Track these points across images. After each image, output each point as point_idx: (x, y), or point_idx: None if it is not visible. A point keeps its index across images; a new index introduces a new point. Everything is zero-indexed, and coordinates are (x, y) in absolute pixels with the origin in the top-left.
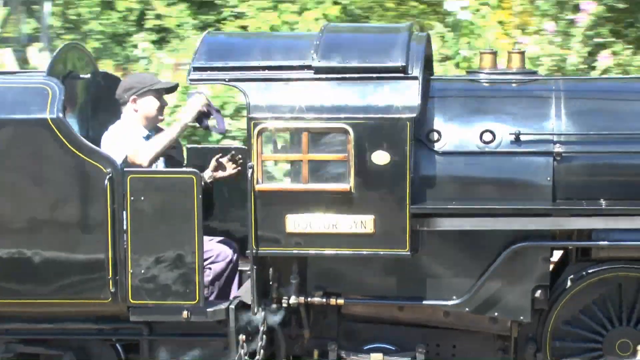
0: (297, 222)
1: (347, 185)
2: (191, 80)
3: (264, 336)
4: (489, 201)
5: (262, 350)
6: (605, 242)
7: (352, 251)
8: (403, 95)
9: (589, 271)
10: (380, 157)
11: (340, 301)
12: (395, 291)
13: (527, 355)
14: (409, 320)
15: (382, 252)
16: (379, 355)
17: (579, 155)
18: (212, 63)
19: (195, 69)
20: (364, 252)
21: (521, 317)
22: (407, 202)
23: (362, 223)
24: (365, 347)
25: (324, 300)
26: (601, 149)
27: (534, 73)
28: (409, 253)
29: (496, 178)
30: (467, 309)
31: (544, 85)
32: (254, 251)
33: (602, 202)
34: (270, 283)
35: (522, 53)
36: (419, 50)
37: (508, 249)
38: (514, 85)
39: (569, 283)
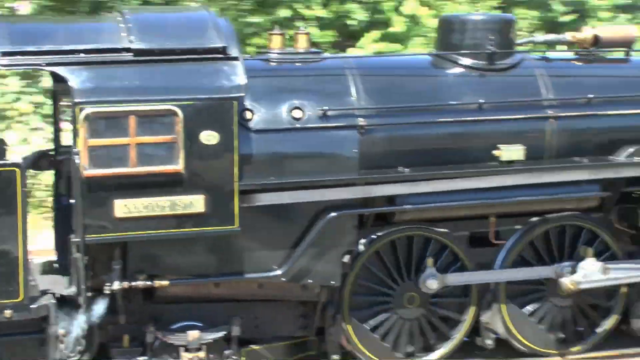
0: (126, 207)
1: (178, 166)
2: (2, 65)
3: (85, 327)
4: (304, 175)
5: (83, 341)
6: (410, 206)
7: (183, 231)
8: (228, 76)
9: (378, 234)
10: (209, 137)
11: (165, 283)
12: (217, 268)
13: (327, 318)
14: (225, 296)
15: (213, 230)
16: (196, 333)
17: (380, 127)
18: (21, 47)
19: (4, 53)
20: (195, 231)
21: (332, 282)
22: (236, 180)
23: (193, 203)
24: (174, 327)
25: (149, 283)
26: (399, 120)
27: (320, 53)
28: (239, 229)
29: (308, 152)
30: (284, 279)
31: (338, 63)
32: (80, 239)
33: (404, 169)
34: (90, 271)
35: (308, 34)
36: (231, 30)
37: (323, 218)
38: (310, 63)
39: (361, 247)
